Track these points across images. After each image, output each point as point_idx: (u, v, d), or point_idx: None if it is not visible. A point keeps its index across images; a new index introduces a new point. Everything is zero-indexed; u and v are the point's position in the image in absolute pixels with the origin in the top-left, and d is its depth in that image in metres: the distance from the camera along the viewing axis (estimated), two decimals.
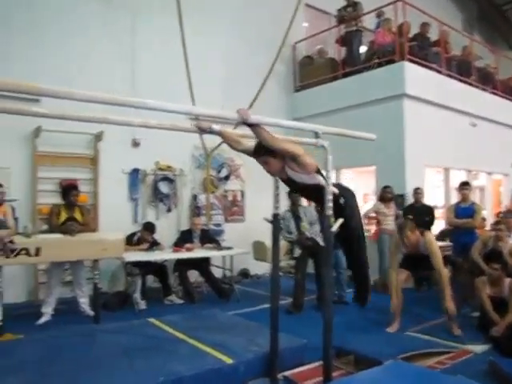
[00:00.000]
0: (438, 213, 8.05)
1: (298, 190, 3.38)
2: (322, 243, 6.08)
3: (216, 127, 3.18)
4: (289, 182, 3.15)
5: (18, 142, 6.64)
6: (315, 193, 3.12)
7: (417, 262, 5.20)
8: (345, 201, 3.18)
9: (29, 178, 6.69)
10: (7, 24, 6.60)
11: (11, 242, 4.69)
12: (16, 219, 5.80)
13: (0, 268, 4.83)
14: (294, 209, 6.40)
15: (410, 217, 5.69)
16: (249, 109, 7.15)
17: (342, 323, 4.63)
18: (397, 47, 7.95)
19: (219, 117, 2.95)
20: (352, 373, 3.70)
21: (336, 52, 9.52)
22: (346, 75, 8.87)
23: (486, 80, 10.14)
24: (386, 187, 7.26)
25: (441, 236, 7.64)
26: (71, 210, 5.59)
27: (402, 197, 7.55)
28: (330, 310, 3.24)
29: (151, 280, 6.88)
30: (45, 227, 6.09)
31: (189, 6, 6.68)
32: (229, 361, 3.59)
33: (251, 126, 2.84)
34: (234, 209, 8.70)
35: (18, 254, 4.76)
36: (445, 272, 4.96)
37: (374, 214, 7.37)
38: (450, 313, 4.89)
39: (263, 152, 3.00)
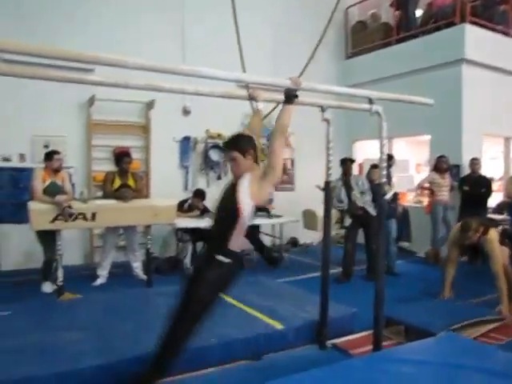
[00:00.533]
0: (495, 185, 7.73)
1: (223, 207, 2.83)
2: (373, 213, 6.05)
3: (261, 104, 3.09)
4: (229, 189, 2.81)
5: (73, 111, 6.84)
6: (232, 221, 2.69)
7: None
8: None
9: (84, 145, 6.90)
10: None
11: (69, 206, 4.87)
12: (73, 185, 6.01)
13: (59, 232, 5.03)
14: (346, 178, 6.29)
15: (466, 188, 5.43)
16: (299, 77, 7.04)
17: (391, 294, 4.56)
18: (457, 8, 7.49)
19: (271, 84, 2.89)
20: (402, 343, 3.66)
21: (390, 16, 9.14)
22: (400, 40, 8.50)
23: None
24: (441, 157, 7.01)
25: (498, 209, 7.35)
26: (124, 177, 5.72)
27: (457, 167, 7.27)
28: (382, 280, 3.20)
29: (201, 246, 7.00)
30: (99, 193, 6.30)
31: None
32: (279, 326, 3.64)
33: (291, 101, 2.70)
34: (284, 177, 8.64)
35: (75, 218, 4.94)
36: (502, 277, 4.55)
37: (427, 185, 7.16)
38: (503, 317, 4.56)
39: (236, 147, 2.77)
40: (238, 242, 2.69)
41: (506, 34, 8.00)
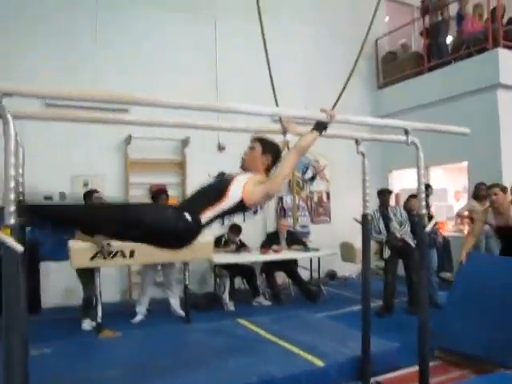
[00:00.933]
0: None
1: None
2: (412, 244, 5.92)
3: (289, 136, 3.06)
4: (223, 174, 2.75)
5: (111, 149, 7.06)
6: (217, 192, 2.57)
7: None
8: None
9: (122, 183, 7.08)
10: (101, 40, 7.02)
11: (108, 244, 4.96)
12: None
13: (98, 269, 5.11)
14: (383, 209, 6.22)
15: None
16: (333, 108, 7.07)
17: (435, 327, 4.40)
18: (489, 33, 7.43)
19: (304, 117, 2.90)
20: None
21: (420, 45, 9.14)
22: (431, 69, 8.47)
23: None
24: (480, 184, 6.81)
25: None
26: None
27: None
28: (426, 312, 3.10)
29: (239, 282, 6.97)
30: None
31: (268, 8, 6.71)
32: (320, 363, 3.54)
33: (320, 131, 2.65)
34: (319, 210, 8.64)
35: (114, 255, 5.03)
36: None
37: (467, 213, 6.96)
38: None
39: (261, 142, 2.75)
40: (207, 217, 2.52)
41: None
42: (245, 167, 2.75)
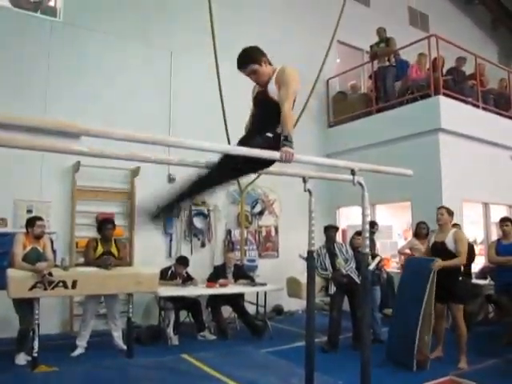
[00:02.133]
0: (477, 249, 7.81)
1: (259, 101, 3.08)
2: (357, 280, 6.04)
3: None
4: (262, 94, 3.02)
5: (58, 176, 6.87)
6: (274, 111, 2.87)
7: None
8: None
9: (68, 211, 6.87)
10: (54, 65, 6.93)
11: (50, 274, 4.78)
12: (54, 251, 5.93)
13: (37, 300, 4.90)
14: (329, 245, 6.34)
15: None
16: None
17: (379, 363, 4.48)
18: (431, 82, 7.92)
19: (258, 155, 2.95)
20: None
21: (369, 87, 9.56)
22: (379, 110, 8.86)
23: None
24: (420, 223, 7.09)
25: (481, 274, 7.39)
26: (107, 244, 5.68)
27: (432, 232, 7.36)
28: (368, 351, 3.15)
29: (184, 315, 6.85)
30: (81, 260, 6.21)
31: (222, 44, 6.86)
32: None
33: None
34: (267, 244, 8.68)
35: (55, 286, 4.84)
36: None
37: (408, 251, 7.20)
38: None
39: (251, 60, 2.92)
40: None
41: (475, 106, 8.47)
42: (263, 83, 2.96)
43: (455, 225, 5.96)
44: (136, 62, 7.57)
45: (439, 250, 5.23)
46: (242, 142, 2.91)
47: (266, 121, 2.94)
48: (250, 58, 2.92)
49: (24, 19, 6.93)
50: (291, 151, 2.67)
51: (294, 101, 2.91)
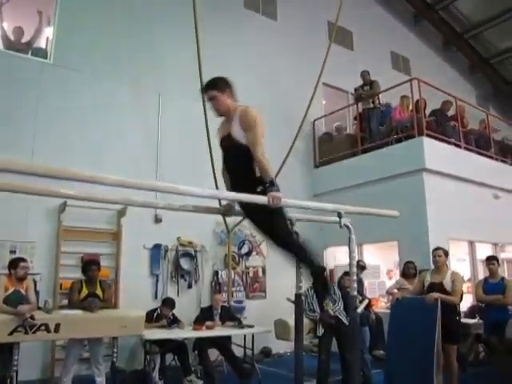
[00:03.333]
0: (464, 287, 7.81)
1: (228, 148, 3.16)
2: (345, 321, 5.97)
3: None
4: (226, 139, 3.09)
5: (44, 216, 6.79)
6: (245, 155, 2.98)
7: None
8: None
9: (52, 251, 6.76)
10: (43, 105, 6.98)
11: (32, 317, 4.65)
12: (37, 293, 5.82)
13: (17, 345, 4.76)
14: None
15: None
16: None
17: None
18: (415, 123, 8.10)
19: (246, 200, 2.98)
20: None
21: (354, 128, 9.76)
22: (365, 151, 9.01)
23: (505, 152, 10.18)
24: (408, 262, 7.10)
25: (470, 313, 7.37)
26: (92, 286, 5.58)
27: (427, 271, 7.36)
28: None
29: (170, 357, 6.68)
30: (65, 302, 6.07)
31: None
32: None
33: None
34: (255, 285, 8.60)
35: (37, 329, 4.70)
36: None
37: (396, 291, 7.17)
38: None
39: (212, 87, 3.06)
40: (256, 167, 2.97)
41: (458, 146, 8.67)
42: (221, 113, 3.13)
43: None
44: (124, 103, 7.66)
45: (437, 291, 5.22)
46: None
47: (241, 169, 3.01)
48: (213, 85, 3.06)
49: (15, 61, 7.02)
50: (278, 195, 2.75)
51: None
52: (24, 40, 7.52)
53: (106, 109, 7.49)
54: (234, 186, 3.10)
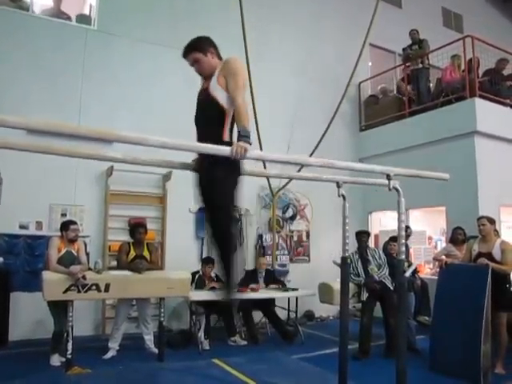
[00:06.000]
0: None
1: (201, 102, 2.89)
2: (390, 286, 5.92)
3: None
4: (203, 93, 2.84)
5: (91, 180, 6.98)
6: (215, 114, 2.71)
7: None
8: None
9: (101, 215, 6.97)
10: (88, 72, 7.07)
11: (84, 277, 4.85)
12: (88, 255, 6.03)
13: (71, 302, 4.97)
14: (362, 251, 6.24)
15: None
16: (315, 149, 7.18)
17: (413, 374, 4.36)
18: (467, 84, 7.73)
19: (287, 161, 2.92)
20: None
21: (402, 90, 9.40)
22: (412, 113, 8.70)
23: None
24: (457, 228, 6.88)
25: None
26: (140, 248, 5.73)
27: (475, 239, 7.15)
28: (403, 358, 3.07)
29: (215, 319, 6.84)
30: (114, 263, 6.28)
31: (253, 47, 6.85)
32: None
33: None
34: (299, 249, 8.62)
35: (88, 289, 4.91)
36: None
37: (444, 257, 7.01)
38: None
39: (195, 48, 2.82)
40: (229, 132, 2.73)
41: None
42: (206, 75, 2.85)
43: (494, 231, 5.78)
44: (168, 67, 7.62)
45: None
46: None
47: (209, 126, 2.75)
48: (194, 47, 2.83)
49: (60, 28, 7.10)
50: (244, 146, 2.44)
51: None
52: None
53: (149, 73, 7.51)
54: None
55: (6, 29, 6.63)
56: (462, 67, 8.17)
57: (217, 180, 2.66)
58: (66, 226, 5.36)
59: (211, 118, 2.70)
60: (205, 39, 2.87)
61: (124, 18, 7.47)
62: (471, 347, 4.73)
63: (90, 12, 7.74)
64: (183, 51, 2.84)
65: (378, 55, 10.55)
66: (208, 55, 2.81)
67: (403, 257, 2.89)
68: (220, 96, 2.69)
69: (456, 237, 6.81)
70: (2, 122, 1.95)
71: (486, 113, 7.58)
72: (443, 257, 6.90)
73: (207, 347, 6.09)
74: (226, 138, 2.70)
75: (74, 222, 5.45)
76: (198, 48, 2.81)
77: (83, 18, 7.57)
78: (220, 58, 2.86)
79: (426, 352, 5.62)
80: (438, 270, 7.74)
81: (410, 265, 4.52)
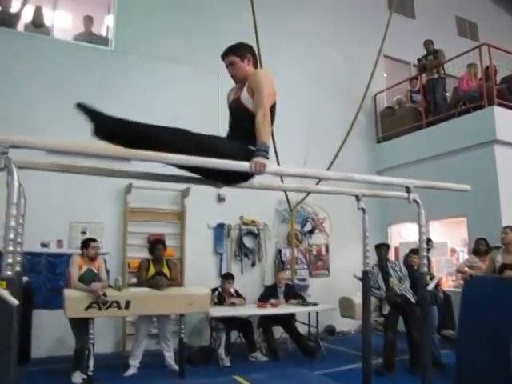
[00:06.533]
0: None
1: (234, 113, 2.92)
2: (412, 300, 5.83)
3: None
4: (236, 101, 2.85)
5: (110, 198, 7.04)
6: (245, 121, 2.70)
7: None
8: None
9: (120, 232, 7.02)
10: (105, 91, 7.19)
11: (104, 294, 4.88)
12: (107, 272, 6.07)
13: (92, 320, 5.00)
14: (382, 264, 6.16)
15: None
16: (332, 163, 7.16)
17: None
18: (484, 92, 7.65)
19: (301, 175, 2.91)
20: None
21: (419, 100, 9.36)
22: (430, 124, 8.64)
23: None
24: (480, 239, 6.78)
25: None
26: (159, 265, 5.75)
27: (498, 249, 7.01)
28: (429, 374, 3.00)
29: (235, 335, 6.80)
30: (134, 280, 6.30)
31: (268, 64, 6.89)
32: None
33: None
34: (318, 263, 8.56)
35: (109, 306, 4.94)
36: None
37: (467, 269, 6.88)
38: None
39: (233, 52, 2.85)
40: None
41: None
42: (239, 80, 2.89)
43: None
44: (183, 84, 7.72)
45: None
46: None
47: (241, 133, 2.73)
48: (232, 50, 2.87)
49: (79, 50, 7.27)
50: (263, 161, 2.45)
51: (274, 107, 2.76)
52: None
53: (165, 89, 7.60)
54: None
55: (29, 53, 6.84)
56: (479, 75, 8.10)
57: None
58: (86, 243, 5.41)
59: (246, 127, 2.69)
60: (245, 45, 2.94)
61: (140, 38, 7.61)
62: (502, 363, 4.57)
63: (107, 33, 7.92)
64: (223, 53, 2.90)
65: (392, 66, 10.54)
66: (244, 61, 2.86)
67: (425, 269, 2.84)
68: (252, 106, 2.73)
69: (478, 248, 6.70)
70: (23, 143, 2.00)
71: (506, 120, 7.47)
72: (466, 269, 6.79)
73: (228, 364, 6.05)
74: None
75: (93, 240, 5.50)
76: (236, 52, 2.86)
77: (101, 40, 7.74)
78: (256, 67, 2.93)
79: (451, 367, 5.50)
80: (461, 282, 7.62)
81: (432, 278, 4.46)
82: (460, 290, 7.38)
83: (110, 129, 2.49)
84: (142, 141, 2.44)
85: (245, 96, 2.76)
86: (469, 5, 12.01)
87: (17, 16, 7.13)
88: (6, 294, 1.81)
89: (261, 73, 2.76)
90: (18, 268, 2.81)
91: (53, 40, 7.26)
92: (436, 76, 8.87)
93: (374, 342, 5.62)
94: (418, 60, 9.35)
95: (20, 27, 7.20)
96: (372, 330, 7.02)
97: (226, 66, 2.89)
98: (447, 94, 8.94)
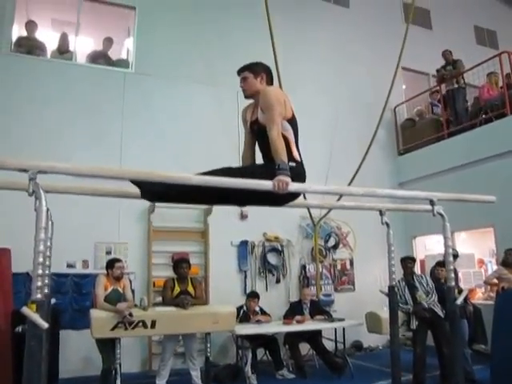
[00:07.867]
0: None
1: (257, 135, 2.97)
2: (440, 314, 5.71)
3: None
4: (256, 123, 2.91)
5: (135, 218, 7.13)
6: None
7: None
8: None
9: (144, 251, 7.08)
10: (127, 113, 7.33)
11: (130, 314, 4.91)
12: (133, 291, 6.11)
13: (119, 339, 5.02)
14: (408, 277, 6.06)
15: None
16: (354, 178, 7.12)
17: None
18: (506, 100, 7.54)
19: (324, 191, 2.90)
20: None
21: (438, 112, 9.28)
22: (451, 134, 8.54)
23: None
24: (509, 250, 6.63)
25: None
26: (184, 283, 5.76)
27: None
28: None
29: (261, 352, 6.75)
30: (159, 299, 6.33)
31: (287, 79, 6.93)
32: None
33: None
34: (343, 278, 8.47)
35: (135, 326, 4.96)
36: None
37: (496, 281, 6.73)
38: None
39: (248, 68, 2.94)
40: (296, 149, 2.81)
41: None
42: (248, 95, 2.98)
43: None
44: (203, 103, 7.82)
45: None
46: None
47: (267, 152, 2.78)
48: (248, 66, 2.96)
49: (100, 74, 7.46)
50: (285, 180, 2.52)
51: (294, 121, 2.82)
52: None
53: (185, 109, 7.73)
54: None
55: (54, 78, 7.05)
56: (500, 84, 8.01)
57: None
58: (111, 264, 5.46)
59: (267, 144, 2.74)
60: (261, 64, 3.02)
61: (159, 59, 7.77)
62: None
63: (127, 56, 8.10)
64: (239, 68, 3.00)
65: (411, 78, 10.50)
66: (257, 78, 2.92)
67: (453, 283, 2.79)
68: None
69: (507, 258, 6.56)
70: (51, 169, 2.05)
71: None
72: (495, 280, 6.65)
73: (255, 382, 6.00)
74: (296, 156, 2.79)
75: (118, 260, 5.55)
76: (251, 69, 2.95)
77: (121, 62, 7.92)
78: (268, 84, 2.98)
79: (485, 382, 5.35)
80: (491, 294, 7.46)
81: (460, 291, 4.37)
82: (490, 302, 7.25)
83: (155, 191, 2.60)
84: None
85: (261, 116, 2.83)
86: (486, 13, 11.87)
87: (42, 44, 7.38)
88: (37, 317, 1.84)
89: (269, 91, 2.82)
90: (46, 290, 2.85)
91: (75, 65, 7.46)
92: (456, 86, 8.80)
93: (403, 357, 5.51)
94: (437, 71, 9.30)
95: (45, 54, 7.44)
96: (400, 346, 6.92)
97: (240, 81, 2.99)
98: (468, 104, 8.85)
